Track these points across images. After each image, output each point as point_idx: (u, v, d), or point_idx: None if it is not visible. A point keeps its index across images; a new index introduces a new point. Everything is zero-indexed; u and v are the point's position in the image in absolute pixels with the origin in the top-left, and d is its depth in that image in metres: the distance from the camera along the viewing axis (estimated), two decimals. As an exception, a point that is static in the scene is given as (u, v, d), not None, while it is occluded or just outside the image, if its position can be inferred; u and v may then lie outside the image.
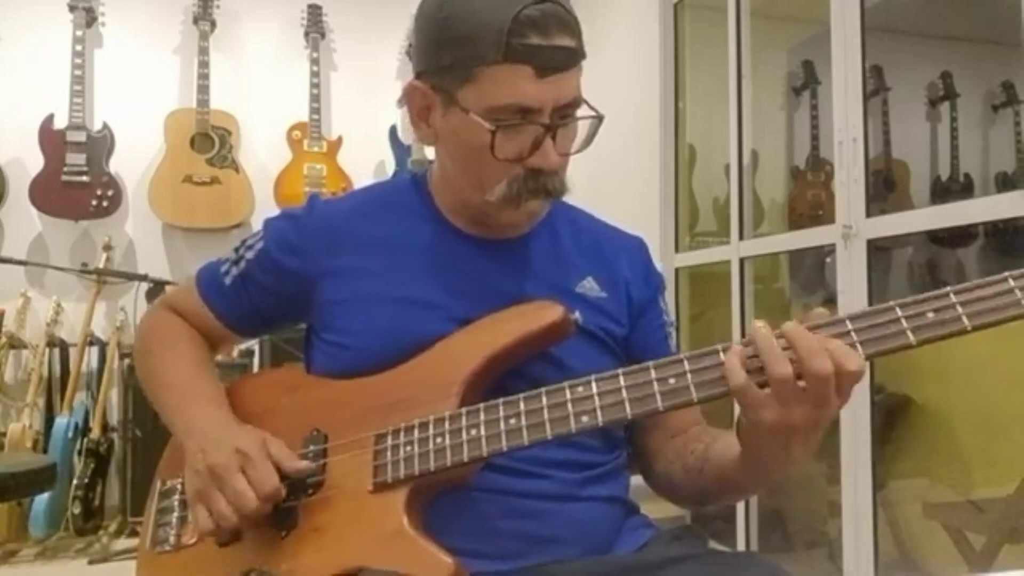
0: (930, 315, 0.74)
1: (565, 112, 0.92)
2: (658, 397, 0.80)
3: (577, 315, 0.97)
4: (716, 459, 0.93)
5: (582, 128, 0.95)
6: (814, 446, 0.81)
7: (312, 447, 0.93)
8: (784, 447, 0.80)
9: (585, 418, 0.81)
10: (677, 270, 3.23)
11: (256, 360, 3.24)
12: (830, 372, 0.73)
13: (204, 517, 0.88)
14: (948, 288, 0.75)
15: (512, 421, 0.84)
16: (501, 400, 0.85)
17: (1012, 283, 0.73)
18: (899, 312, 0.75)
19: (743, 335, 3.04)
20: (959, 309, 0.73)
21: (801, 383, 0.74)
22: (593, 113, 0.94)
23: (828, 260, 3.12)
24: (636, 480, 1.08)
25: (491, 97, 0.89)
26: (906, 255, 3.67)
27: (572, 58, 0.90)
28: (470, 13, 0.88)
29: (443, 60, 0.91)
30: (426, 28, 0.93)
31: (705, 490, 0.97)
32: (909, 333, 0.74)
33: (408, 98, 0.97)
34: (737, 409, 0.79)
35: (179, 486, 1.00)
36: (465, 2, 0.89)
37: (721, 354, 0.79)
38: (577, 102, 0.93)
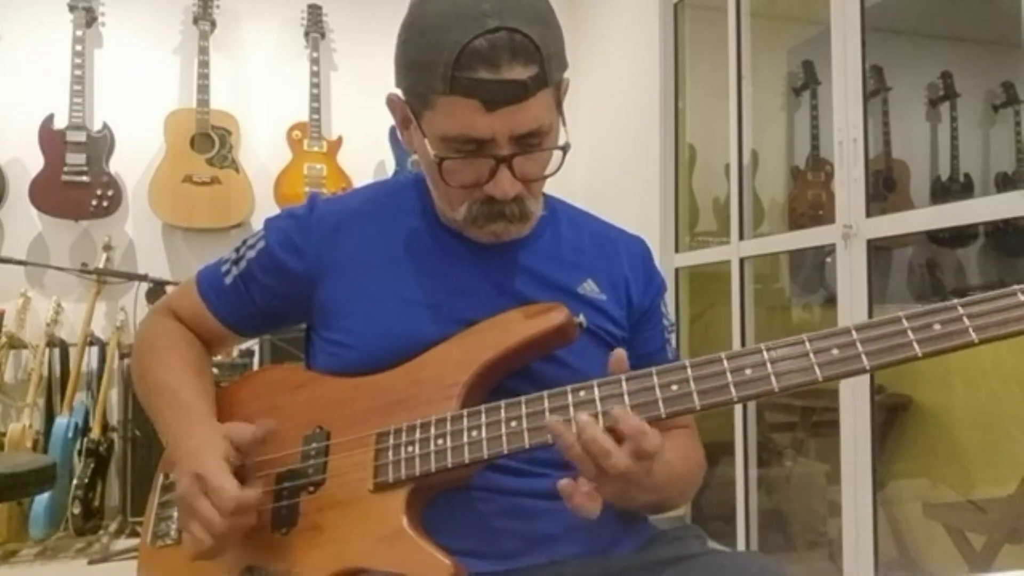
0: (936, 327, 0.73)
1: (525, 141, 0.89)
2: (660, 403, 0.79)
3: (582, 318, 0.97)
4: None
5: (556, 151, 0.93)
6: (649, 494, 0.83)
7: (314, 444, 0.93)
8: (628, 502, 0.83)
9: (586, 420, 0.81)
10: (677, 270, 3.23)
11: (256, 360, 3.24)
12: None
13: (187, 540, 0.88)
14: (956, 301, 0.73)
15: (513, 424, 0.83)
16: (503, 402, 0.85)
17: (1021, 297, 0.71)
18: (905, 324, 0.74)
19: (743, 335, 3.02)
20: (966, 322, 0.72)
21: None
22: (561, 140, 0.92)
23: (828, 260, 3.12)
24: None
25: (443, 126, 0.88)
26: (906, 255, 3.67)
27: (525, 91, 0.85)
28: (424, 40, 0.87)
29: (403, 83, 0.92)
30: (397, 45, 0.92)
31: None
32: (915, 345, 0.73)
33: (391, 107, 0.98)
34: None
35: None
36: (422, 27, 0.87)
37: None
38: (543, 129, 0.89)
